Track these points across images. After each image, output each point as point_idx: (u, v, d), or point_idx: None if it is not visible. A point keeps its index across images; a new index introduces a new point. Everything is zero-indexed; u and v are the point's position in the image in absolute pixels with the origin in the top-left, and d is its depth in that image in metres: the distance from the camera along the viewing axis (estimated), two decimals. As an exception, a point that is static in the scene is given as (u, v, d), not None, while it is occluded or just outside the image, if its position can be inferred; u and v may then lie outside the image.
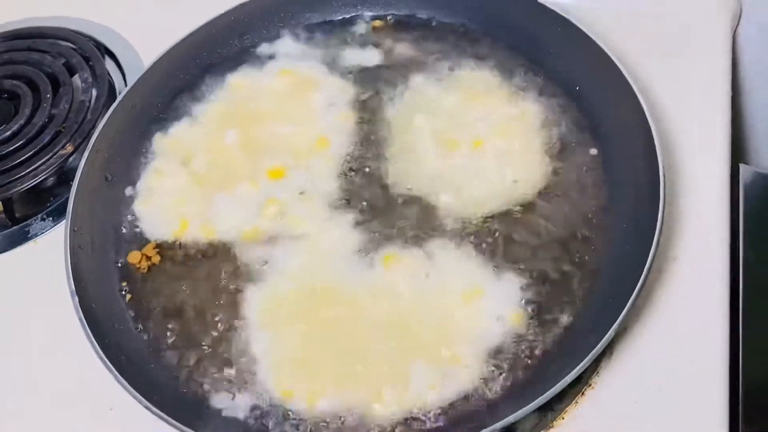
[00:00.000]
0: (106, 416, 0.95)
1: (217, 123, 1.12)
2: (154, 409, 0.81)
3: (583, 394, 0.91)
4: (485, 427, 0.78)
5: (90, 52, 1.34)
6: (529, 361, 0.87)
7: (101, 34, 1.38)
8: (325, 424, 0.86)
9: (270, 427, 0.86)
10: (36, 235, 1.16)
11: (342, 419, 0.86)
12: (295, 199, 1.03)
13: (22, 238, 1.16)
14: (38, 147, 1.21)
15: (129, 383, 0.83)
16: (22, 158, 1.21)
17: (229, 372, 0.91)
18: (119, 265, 1.01)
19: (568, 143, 1.03)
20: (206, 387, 0.90)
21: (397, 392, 0.86)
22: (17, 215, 1.19)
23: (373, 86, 1.14)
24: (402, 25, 1.20)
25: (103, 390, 0.88)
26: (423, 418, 0.85)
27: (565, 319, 0.90)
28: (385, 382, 0.87)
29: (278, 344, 0.92)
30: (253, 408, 0.88)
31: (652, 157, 0.91)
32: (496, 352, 0.88)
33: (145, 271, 1.00)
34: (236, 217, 1.02)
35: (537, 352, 0.88)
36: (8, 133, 1.24)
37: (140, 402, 0.82)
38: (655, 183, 0.89)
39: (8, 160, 1.21)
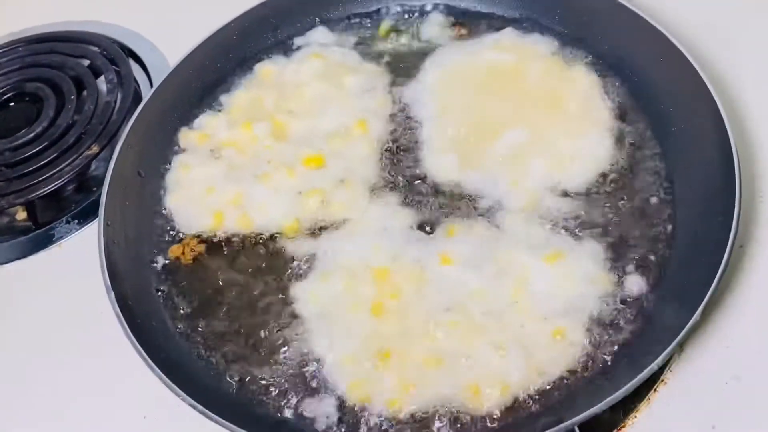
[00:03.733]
0: (140, 423, 0.87)
1: (244, 112, 1.05)
2: (210, 413, 0.73)
3: (655, 390, 0.83)
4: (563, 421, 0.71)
5: (115, 54, 1.27)
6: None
7: (126, 37, 1.32)
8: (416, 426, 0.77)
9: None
10: (61, 239, 1.08)
11: (434, 419, 0.78)
12: (336, 187, 0.96)
13: (47, 241, 1.09)
14: (62, 149, 1.14)
15: (174, 382, 0.75)
16: (45, 161, 1.14)
17: (286, 375, 0.83)
18: (155, 260, 0.93)
19: (627, 123, 0.97)
20: (260, 391, 0.82)
21: (495, 383, 0.78)
22: (40, 220, 1.12)
23: (407, 70, 1.08)
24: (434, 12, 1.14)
25: (137, 393, 0.82)
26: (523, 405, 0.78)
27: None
28: (479, 373, 0.79)
29: (342, 341, 0.83)
30: (321, 414, 0.80)
31: (722, 135, 0.85)
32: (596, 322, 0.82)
33: (190, 262, 0.93)
34: (276, 208, 0.95)
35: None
36: (30, 135, 1.17)
37: (189, 403, 0.74)
38: (729, 163, 0.83)
39: (30, 163, 1.14)
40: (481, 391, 0.78)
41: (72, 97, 1.22)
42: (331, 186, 0.96)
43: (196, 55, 1.09)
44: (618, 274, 0.85)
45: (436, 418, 0.78)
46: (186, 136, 1.05)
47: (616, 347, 0.81)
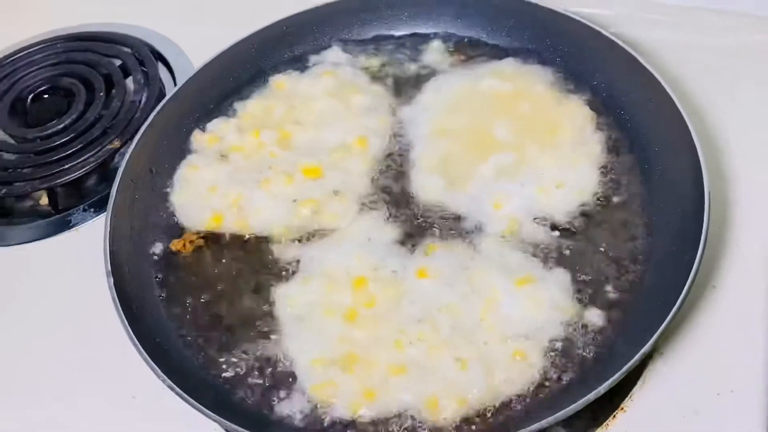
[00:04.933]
0: (129, 402, 0.93)
1: (255, 121, 1.11)
2: (183, 393, 0.78)
3: (614, 417, 0.86)
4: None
5: (145, 57, 1.35)
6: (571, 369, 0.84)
7: (157, 41, 1.39)
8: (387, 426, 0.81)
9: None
10: (77, 224, 1.15)
11: (393, 425, 0.81)
12: (329, 198, 1.00)
13: (64, 226, 1.16)
14: (86, 141, 1.22)
15: (159, 367, 0.80)
16: (71, 151, 1.21)
17: (260, 370, 0.87)
18: (156, 252, 0.99)
19: (614, 158, 1.01)
20: (234, 382, 0.87)
21: (453, 396, 0.82)
22: (60, 206, 1.19)
23: (410, 94, 1.12)
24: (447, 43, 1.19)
25: (128, 374, 0.86)
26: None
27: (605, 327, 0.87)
28: (439, 385, 0.82)
29: (313, 344, 0.87)
30: (287, 410, 0.84)
31: (698, 178, 0.88)
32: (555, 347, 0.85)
33: (189, 255, 0.98)
34: (271, 213, 1.00)
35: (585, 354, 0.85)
36: (60, 126, 1.25)
37: (167, 385, 0.79)
38: (700, 206, 0.85)
39: (57, 151, 1.22)
40: (440, 402, 0.82)
41: (101, 93, 1.30)
42: (325, 196, 1.01)
43: (216, 64, 1.16)
44: (583, 304, 0.88)
45: (395, 425, 0.82)
46: (198, 138, 1.11)
47: (572, 372, 0.84)
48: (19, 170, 1.24)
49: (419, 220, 0.98)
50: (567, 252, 0.93)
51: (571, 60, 1.10)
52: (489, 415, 0.81)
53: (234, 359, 0.89)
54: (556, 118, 1.05)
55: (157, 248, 1.00)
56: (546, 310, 0.87)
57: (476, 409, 0.82)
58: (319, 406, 0.84)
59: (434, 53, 1.17)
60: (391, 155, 1.06)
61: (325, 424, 0.83)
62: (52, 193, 1.20)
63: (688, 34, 1.21)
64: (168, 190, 1.05)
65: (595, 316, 0.88)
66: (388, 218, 0.99)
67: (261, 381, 0.87)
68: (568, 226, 0.95)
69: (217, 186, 1.04)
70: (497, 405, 0.82)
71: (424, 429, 0.81)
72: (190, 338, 0.91)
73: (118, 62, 1.36)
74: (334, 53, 1.20)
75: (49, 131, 1.26)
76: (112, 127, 1.25)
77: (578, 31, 1.07)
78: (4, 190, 1.19)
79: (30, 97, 1.34)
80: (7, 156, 1.27)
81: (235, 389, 0.86)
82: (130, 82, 1.33)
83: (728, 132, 1.07)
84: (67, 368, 0.98)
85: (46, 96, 1.35)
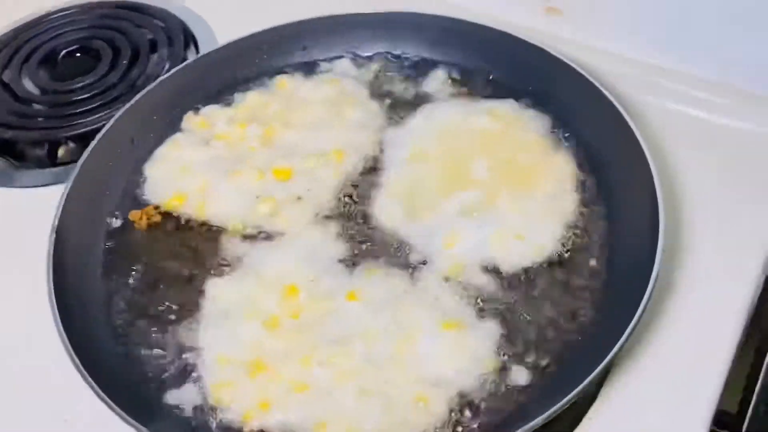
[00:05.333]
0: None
1: (248, 114, 1.11)
2: (77, 360, 0.79)
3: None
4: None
5: (174, 34, 1.38)
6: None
7: (192, 21, 1.41)
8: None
9: (201, 426, 0.81)
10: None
11: None
12: (289, 202, 0.99)
13: (58, 179, 1.19)
14: (100, 102, 1.26)
15: (64, 324, 0.82)
16: (84, 108, 1.26)
17: (166, 354, 0.87)
18: (113, 220, 1.01)
19: (584, 221, 0.96)
20: (143, 359, 0.87)
21: (343, 426, 0.79)
22: (59, 159, 1.23)
23: (402, 116, 1.10)
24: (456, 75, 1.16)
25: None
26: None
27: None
28: (333, 412, 0.80)
29: (226, 342, 0.86)
30: (178, 401, 0.83)
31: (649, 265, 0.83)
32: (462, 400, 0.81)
33: (143, 228, 0.99)
34: (231, 205, 0.99)
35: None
36: (80, 84, 1.30)
37: (62, 339, 0.80)
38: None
39: (72, 106, 1.27)
40: (328, 429, 0.79)
41: (125, 62, 1.33)
42: (287, 199, 1.00)
43: (226, 52, 1.17)
44: (507, 361, 0.84)
45: (280, 440, 0.79)
46: (189, 120, 1.12)
47: (474, 427, 0.79)
48: (38, 119, 1.28)
49: (368, 243, 0.95)
50: (506, 306, 0.89)
51: (569, 113, 1.05)
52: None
53: (145, 338, 0.88)
54: (537, 168, 1.01)
55: (115, 216, 1.01)
56: (465, 360, 0.83)
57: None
58: (212, 404, 0.82)
59: (437, 81, 1.15)
60: (364, 173, 1.04)
61: (211, 425, 0.81)
62: (53, 145, 1.24)
63: (686, 104, 1.15)
64: (144, 162, 1.07)
65: (517, 375, 0.83)
66: (339, 234, 0.96)
67: (163, 365, 0.86)
68: (514, 280, 0.91)
69: (190, 168, 1.05)
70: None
71: (305, 452, 0.79)
72: (113, 310, 0.91)
73: (149, 35, 1.39)
74: (344, 64, 1.19)
75: (71, 87, 1.31)
76: (126, 94, 1.28)
77: (580, 85, 1.02)
78: (10, 134, 1.24)
79: (62, 53, 1.40)
80: (33, 105, 1.31)
81: (133, 368, 0.85)
82: (155, 56, 1.36)
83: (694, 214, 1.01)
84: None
85: (78, 54, 1.40)
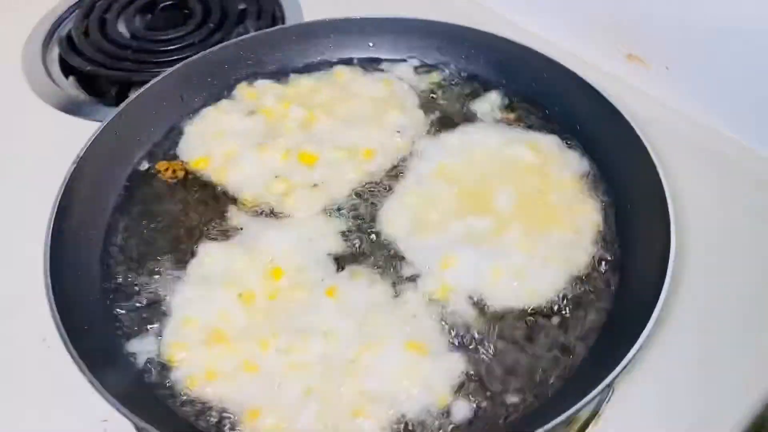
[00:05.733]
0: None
1: (297, 95, 1.11)
2: (51, 294, 0.80)
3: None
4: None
5: (265, 9, 1.42)
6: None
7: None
8: (201, 411, 0.79)
9: (146, 379, 0.82)
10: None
11: (210, 416, 0.79)
12: (304, 188, 0.99)
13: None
14: (176, 57, 1.31)
15: (51, 253, 0.84)
16: (162, 59, 1.32)
17: (140, 301, 0.88)
18: (140, 165, 1.04)
19: (593, 278, 0.90)
20: (119, 299, 0.89)
21: (276, 417, 0.78)
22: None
23: (441, 130, 1.07)
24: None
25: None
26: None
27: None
28: (272, 401, 0.79)
29: (197, 305, 0.87)
30: (137, 349, 0.85)
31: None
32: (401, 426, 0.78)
33: (166, 179, 1.02)
34: (249, 177, 1.00)
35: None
36: (165, 37, 1.36)
37: (43, 267, 0.82)
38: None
39: (153, 55, 1.33)
40: (261, 416, 0.78)
41: (211, 25, 1.39)
42: (302, 185, 1.00)
43: (297, 30, 1.18)
44: (457, 401, 0.79)
45: (211, 416, 0.79)
46: (242, 89, 1.13)
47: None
48: (120, 61, 1.35)
49: (365, 246, 0.93)
50: (479, 344, 0.84)
51: (611, 163, 0.99)
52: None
53: (126, 279, 0.90)
54: (562, 211, 0.95)
55: (144, 162, 1.04)
56: (417, 386, 0.79)
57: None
58: (162, 361, 0.83)
59: (488, 103, 1.10)
60: (385, 177, 1.01)
61: (154, 379, 0.82)
62: (129, 87, 1.30)
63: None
64: (186, 120, 1.09)
65: (463, 415, 0.78)
66: (340, 230, 0.95)
67: (135, 312, 0.87)
68: (496, 320, 0.86)
69: (225, 134, 1.07)
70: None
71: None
72: (108, 243, 0.94)
73: (241, 5, 1.44)
74: (405, 69, 1.18)
75: (157, 38, 1.38)
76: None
77: (627, 138, 0.95)
78: (89, 68, 1.32)
79: (160, 6, 1.47)
80: (120, 48, 1.38)
81: (110, 312, 0.87)
82: (240, 27, 1.40)
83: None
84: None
85: (172, 9, 1.47)
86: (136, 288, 0.90)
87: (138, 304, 0.88)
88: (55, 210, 0.89)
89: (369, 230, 0.95)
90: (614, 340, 0.80)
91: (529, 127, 1.06)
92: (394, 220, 0.95)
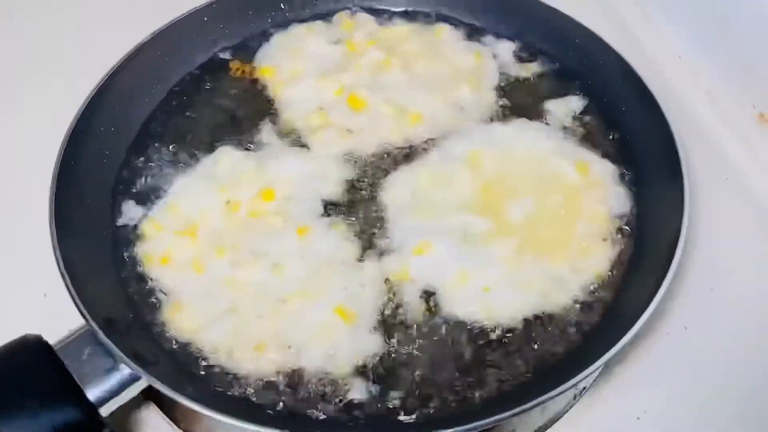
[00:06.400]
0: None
1: (388, 38, 1.10)
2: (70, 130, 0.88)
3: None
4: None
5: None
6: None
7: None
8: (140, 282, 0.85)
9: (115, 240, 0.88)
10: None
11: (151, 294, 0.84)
12: (337, 129, 0.98)
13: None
14: None
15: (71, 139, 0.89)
16: None
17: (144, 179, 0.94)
18: (219, 53, 1.08)
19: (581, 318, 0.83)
20: (131, 170, 0.95)
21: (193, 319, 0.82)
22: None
23: (506, 117, 1.01)
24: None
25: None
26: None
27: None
28: (198, 305, 0.82)
29: (189, 196, 0.91)
30: (124, 214, 0.91)
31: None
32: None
33: (232, 75, 1.06)
34: (298, 100, 1.02)
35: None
36: None
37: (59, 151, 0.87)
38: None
39: None
40: (180, 312, 0.82)
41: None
42: (337, 125, 0.99)
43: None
44: (356, 380, 0.78)
45: (147, 290, 0.85)
46: (341, 17, 1.13)
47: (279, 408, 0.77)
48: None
49: (357, 204, 0.92)
50: (406, 337, 0.81)
51: (653, 215, 0.88)
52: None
53: (146, 155, 0.97)
54: (572, 244, 0.87)
55: (222, 53, 1.09)
56: (324, 347, 0.79)
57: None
58: (137, 232, 0.89)
59: (564, 106, 1.02)
60: (415, 146, 0.98)
61: (124, 247, 0.88)
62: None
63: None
64: (275, 28, 1.12)
65: (356, 393, 0.77)
66: (344, 181, 0.94)
67: (136, 183, 0.94)
68: (438, 324, 0.82)
69: (301, 53, 1.09)
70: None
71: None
72: (152, 120, 1.01)
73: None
74: (508, 47, 1.10)
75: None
76: None
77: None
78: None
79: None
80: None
81: (117, 176, 0.95)
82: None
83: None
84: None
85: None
86: (150, 164, 0.96)
87: (146, 177, 0.95)
88: (127, 56, 0.97)
89: (370, 191, 0.93)
90: (527, 391, 0.73)
91: (591, 145, 0.96)
92: (397, 189, 0.93)
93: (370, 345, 0.80)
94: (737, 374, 0.88)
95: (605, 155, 0.95)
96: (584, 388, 0.87)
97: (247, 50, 1.10)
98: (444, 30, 1.12)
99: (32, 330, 0.75)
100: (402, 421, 0.76)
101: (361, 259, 0.86)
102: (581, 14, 1.05)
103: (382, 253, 0.87)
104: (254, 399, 0.76)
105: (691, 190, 0.92)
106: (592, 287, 0.84)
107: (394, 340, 0.81)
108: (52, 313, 0.83)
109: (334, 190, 0.93)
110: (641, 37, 1.26)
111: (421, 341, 0.81)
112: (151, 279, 0.86)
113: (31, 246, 0.85)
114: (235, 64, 1.09)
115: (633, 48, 1.16)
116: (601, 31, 1.02)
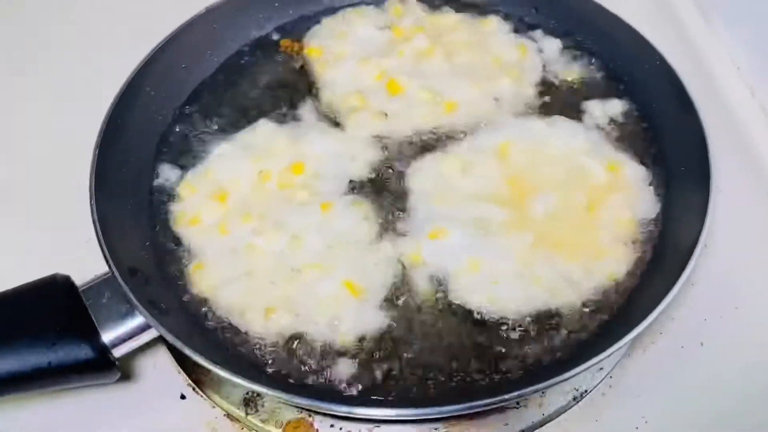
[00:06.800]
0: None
1: (436, 26, 1.10)
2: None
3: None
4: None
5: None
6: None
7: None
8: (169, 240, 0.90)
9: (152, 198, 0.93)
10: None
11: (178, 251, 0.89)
12: (373, 113, 1.00)
13: None
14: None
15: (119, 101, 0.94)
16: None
17: (190, 143, 0.99)
18: (270, 32, 1.12)
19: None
20: (173, 132, 1.00)
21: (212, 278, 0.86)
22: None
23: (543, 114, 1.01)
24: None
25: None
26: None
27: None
28: (217, 265, 0.87)
29: (225, 165, 0.95)
30: (162, 175, 0.96)
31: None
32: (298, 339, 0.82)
33: (282, 51, 1.10)
34: (340, 82, 1.04)
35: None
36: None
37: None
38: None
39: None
40: (202, 270, 0.87)
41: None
42: (374, 108, 1.01)
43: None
44: (353, 352, 0.81)
45: (175, 247, 0.90)
46: (393, 2, 1.15)
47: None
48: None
49: (383, 185, 0.94)
50: (410, 320, 0.83)
51: (678, 224, 0.86)
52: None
53: (190, 121, 1.02)
54: (590, 245, 0.86)
55: (275, 33, 1.13)
56: (326, 317, 0.83)
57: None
58: (174, 192, 0.95)
59: (604, 108, 1.01)
60: (447, 133, 0.99)
61: (155, 202, 0.94)
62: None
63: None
64: (327, 14, 1.14)
65: (344, 369, 0.80)
66: (372, 162, 0.96)
67: (176, 147, 1.00)
68: (445, 310, 0.83)
69: (348, 37, 1.11)
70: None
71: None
72: (200, 89, 1.06)
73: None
74: (555, 45, 1.09)
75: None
76: None
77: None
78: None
79: None
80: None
81: (161, 139, 1.00)
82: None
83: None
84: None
85: None
86: (193, 130, 1.01)
87: (187, 142, 1.00)
88: (183, 26, 1.02)
89: (396, 174, 0.95)
90: (514, 383, 0.74)
91: (626, 148, 0.95)
92: (422, 175, 0.94)
93: (374, 321, 0.82)
94: (746, 399, 0.85)
95: (638, 159, 0.94)
96: (585, 391, 0.86)
97: (298, 30, 1.13)
98: (493, 21, 1.12)
99: (70, 270, 0.81)
100: (390, 400, 0.77)
101: (377, 239, 0.88)
102: (640, 18, 1.03)
103: (398, 235, 0.89)
104: (256, 358, 0.80)
105: (725, 207, 0.91)
106: (603, 289, 0.83)
107: (397, 319, 0.82)
108: (92, 256, 0.87)
109: (362, 170, 0.95)
110: (701, 45, 1.22)
111: (424, 323, 0.82)
112: (180, 237, 0.90)
113: (81, 197, 0.90)
114: (285, 42, 1.12)
115: (689, 56, 1.15)
116: (659, 36, 1.00)
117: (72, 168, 1.02)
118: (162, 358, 0.90)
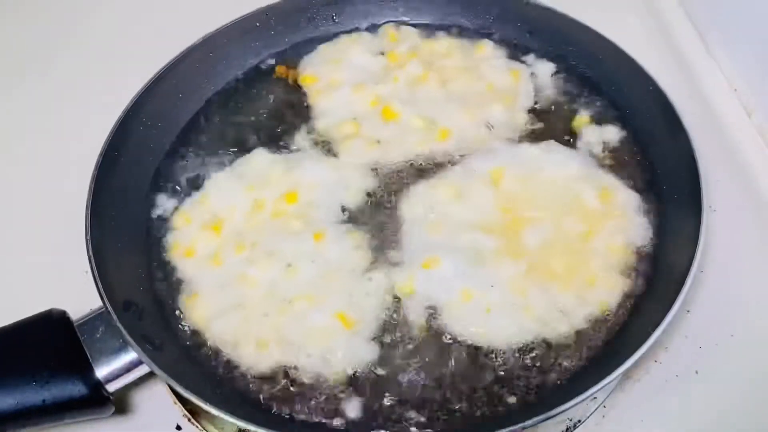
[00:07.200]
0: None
1: (430, 52, 1.11)
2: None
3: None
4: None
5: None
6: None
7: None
8: (163, 268, 0.90)
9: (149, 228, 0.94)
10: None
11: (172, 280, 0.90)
12: (366, 140, 1.01)
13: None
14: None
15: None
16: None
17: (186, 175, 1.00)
18: (266, 60, 1.13)
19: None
20: (169, 165, 1.01)
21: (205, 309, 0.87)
22: None
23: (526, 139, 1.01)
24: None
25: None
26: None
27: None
28: (210, 295, 0.87)
29: (221, 194, 0.96)
30: (159, 205, 0.97)
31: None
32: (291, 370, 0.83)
33: (275, 75, 1.11)
34: (334, 108, 1.05)
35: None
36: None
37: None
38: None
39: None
40: (195, 300, 0.87)
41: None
42: (367, 136, 1.02)
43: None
44: (344, 388, 0.81)
45: (168, 276, 0.91)
46: (387, 29, 1.15)
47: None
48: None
49: (375, 215, 0.94)
50: (404, 351, 0.83)
51: (672, 255, 0.86)
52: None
53: (185, 153, 1.03)
54: (584, 274, 0.86)
55: (270, 60, 1.14)
56: (319, 349, 0.83)
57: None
58: (169, 224, 0.95)
59: (599, 135, 1.00)
60: (441, 160, 0.99)
61: (152, 232, 0.95)
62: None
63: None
64: (321, 41, 1.15)
65: (348, 408, 0.80)
66: (366, 191, 0.97)
67: (178, 176, 1.01)
68: (437, 339, 0.83)
69: (342, 63, 1.11)
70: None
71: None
72: (197, 119, 1.07)
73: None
74: (547, 69, 1.10)
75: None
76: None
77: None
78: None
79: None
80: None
81: (158, 170, 1.01)
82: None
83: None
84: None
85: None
86: (189, 160, 1.02)
87: (183, 172, 1.01)
88: (179, 56, 1.03)
89: (389, 201, 0.95)
90: (506, 418, 0.74)
91: (619, 175, 0.95)
92: (415, 203, 0.94)
93: (366, 353, 0.82)
94: (742, 428, 0.84)
95: (631, 185, 0.94)
96: (579, 421, 0.86)
97: (293, 57, 1.14)
98: (487, 47, 1.13)
99: (67, 303, 0.82)
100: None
101: (370, 269, 0.89)
102: (637, 40, 1.03)
103: (391, 265, 0.89)
104: (249, 391, 0.80)
105: (722, 231, 0.91)
106: (596, 319, 0.83)
107: (389, 351, 0.82)
108: (90, 285, 0.87)
109: (355, 198, 0.96)
110: (697, 67, 1.22)
111: (416, 355, 0.82)
112: (175, 268, 0.91)
113: (78, 227, 0.91)
114: (280, 69, 1.13)
115: (686, 77, 1.15)
116: (655, 56, 1.01)
117: (69, 196, 1.03)
118: (157, 388, 0.91)
